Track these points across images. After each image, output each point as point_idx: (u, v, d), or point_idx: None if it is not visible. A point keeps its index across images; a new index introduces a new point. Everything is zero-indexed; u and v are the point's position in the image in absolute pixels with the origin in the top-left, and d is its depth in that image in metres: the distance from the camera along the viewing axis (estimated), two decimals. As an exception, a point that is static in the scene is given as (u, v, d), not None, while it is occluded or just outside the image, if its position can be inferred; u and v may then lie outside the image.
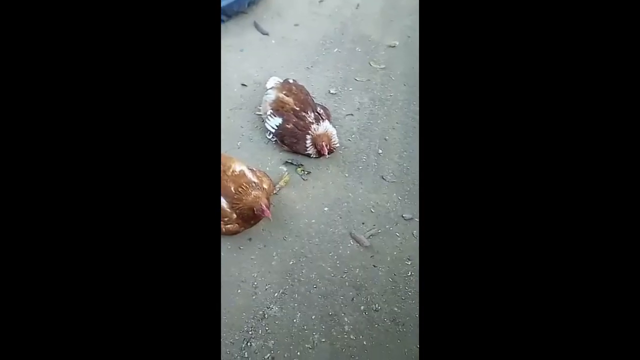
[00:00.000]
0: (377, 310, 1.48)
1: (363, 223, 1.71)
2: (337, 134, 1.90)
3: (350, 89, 2.25)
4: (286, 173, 1.85)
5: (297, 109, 1.87)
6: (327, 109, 2.01)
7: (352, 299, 1.50)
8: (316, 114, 1.90)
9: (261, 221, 1.59)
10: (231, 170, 1.54)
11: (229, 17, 2.57)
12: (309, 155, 1.88)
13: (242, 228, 1.56)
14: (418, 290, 1.45)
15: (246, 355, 1.35)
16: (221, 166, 1.55)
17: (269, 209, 1.46)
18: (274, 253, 1.60)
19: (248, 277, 1.53)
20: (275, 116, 1.88)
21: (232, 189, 1.50)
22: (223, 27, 2.55)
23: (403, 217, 1.73)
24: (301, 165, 1.89)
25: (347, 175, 1.87)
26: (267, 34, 2.55)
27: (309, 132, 1.83)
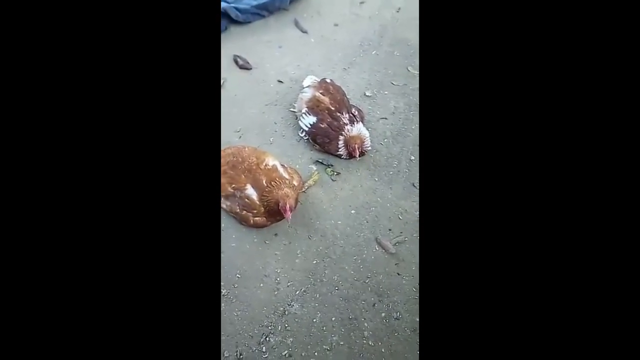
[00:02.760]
0: (398, 319, 1.45)
1: (390, 229, 1.68)
2: (370, 137, 1.88)
3: (386, 92, 2.23)
4: (316, 172, 1.85)
5: (333, 108, 1.87)
6: (361, 111, 2.00)
7: (374, 305, 1.48)
8: (351, 115, 1.88)
9: (288, 218, 1.59)
10: (264, 164, 1.55)
11: (271, 12, 2.60)
12: (339, 156, 1.87)
13: (269, 222, 1.57)
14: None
15: (264, 350, 1.35)
16: (255, 159, 1.57)
17: (291, 212, 1.45)
18: (298, 251, 1.60)
19: (271, 272, 1.54)
20: (309, 114, 1.88)
21: (264, 182, 1.51)
22: (263, 22, 2.58)
23: (431, 227, 1.70)
24: (331, 165, 1.88)
25: (376, 179, 1.85)
26: (306, 32, 2.55)
27: (342, 133, 1.81)
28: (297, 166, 1.85)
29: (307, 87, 1.98)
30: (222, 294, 1.47)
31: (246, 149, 1.64)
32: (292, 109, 2.07)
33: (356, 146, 1.76)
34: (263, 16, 2.58)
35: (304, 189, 1.75)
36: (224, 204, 1.58)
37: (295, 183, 1.58)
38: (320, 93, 1.92)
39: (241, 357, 1.34)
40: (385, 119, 2.10)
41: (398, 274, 1.56)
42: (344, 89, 2.03)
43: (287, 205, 1.43)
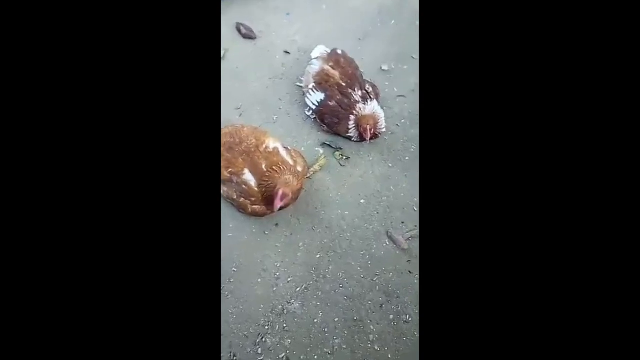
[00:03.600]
0: (408, 322, 1.32)
1: (403, 222, 1.52)
2: (385, 117, 1.69)
3: (405, 67, 2.00)
4: (322, 156, 1.68)
5: (343, 84, 1.67)
6: (376, 88, 1.79)
7: (381, 306, 1.35)
8: (364, 92, 1.68)
9: (290, 206, 1.44)
10: (264, 147, 1.39)
11: (279, -26, 2.34)
12: (350, 138, 1.69)
13: (269, 211, 1.43)
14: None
15: (260, 352, 1.25)
16: (254, 140, 1.41)
17: (283, 201, 1.29)
18: (301, 243, 1.47)
19: (270, 266, 1.41)
20: (317, 91, 1.68)
21: (264, 166, 1.35)
22: (271, -15, 2.33)
23: (449, 220, 1.53)
24: (340, 148, 1.70)
25: (390, 165, 1.67)
26: (318, -3, 2.30)
27: (354, 112, 1.63)
28: (302, 149, 1.68)
29: (315, 58, 1.78)
30: (216, 288, 1.35)
31: (245, 128, 1.48)
32: (298, 84, 1.88)
33: (368, 127, 1.59)
34: (271, -22, 2.33)
35: (308, 175, 1.59)
36: (221, 189, 1.44)
37: (299, 168, 1.42)
38: (330, 66, 1.71)
39: (235, 358, 1.23)
40: (403, 97, 1.88)
41: (410, 272, 1.42)
42: (357, 61, 1.82)
43: (281, 192, 1.27)
